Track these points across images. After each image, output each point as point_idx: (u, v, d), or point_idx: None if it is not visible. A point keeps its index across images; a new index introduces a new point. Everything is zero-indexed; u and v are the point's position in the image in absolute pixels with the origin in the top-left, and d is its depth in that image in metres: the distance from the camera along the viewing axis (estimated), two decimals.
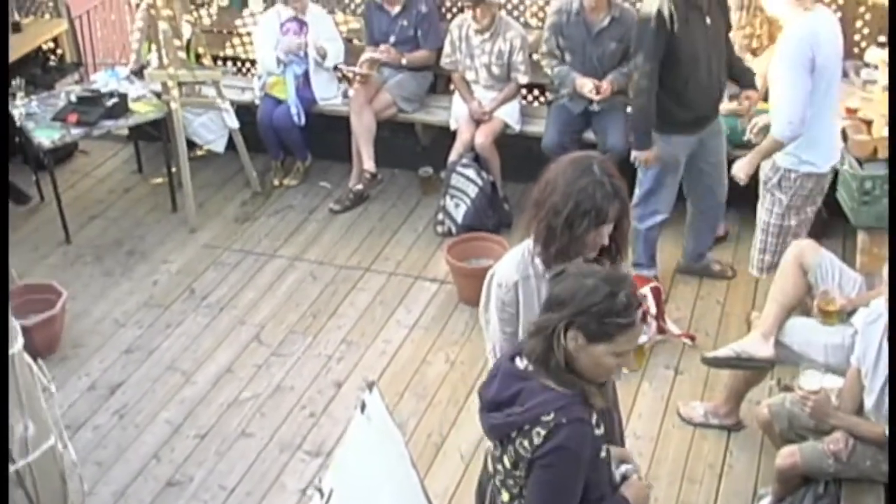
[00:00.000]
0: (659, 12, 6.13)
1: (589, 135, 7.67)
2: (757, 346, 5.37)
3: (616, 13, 7.30)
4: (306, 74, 8.36)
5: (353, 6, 8.81)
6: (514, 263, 3.93)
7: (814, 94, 5.64)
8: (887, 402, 4.45)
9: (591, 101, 7.46)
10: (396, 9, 8.21)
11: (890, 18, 6.63)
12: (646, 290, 6.38)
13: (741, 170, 6.01)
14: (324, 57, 8.31)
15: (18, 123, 8.05)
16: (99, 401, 6.51)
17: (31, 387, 2.01)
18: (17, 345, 1.90)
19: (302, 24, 8.28)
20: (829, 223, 6.98)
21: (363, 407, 3.80)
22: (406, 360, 6.67)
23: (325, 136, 8.59)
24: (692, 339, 6.58)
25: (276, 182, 8.74)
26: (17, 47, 9.12)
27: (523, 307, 3.90)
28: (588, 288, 3.21)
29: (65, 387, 6.54)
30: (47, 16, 9.74)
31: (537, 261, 3.85)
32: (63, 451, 1.99)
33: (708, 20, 6.26)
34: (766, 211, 6.13)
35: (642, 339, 4.85)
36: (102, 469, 5.96)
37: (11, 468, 1.88)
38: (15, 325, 1.95)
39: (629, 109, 6.83)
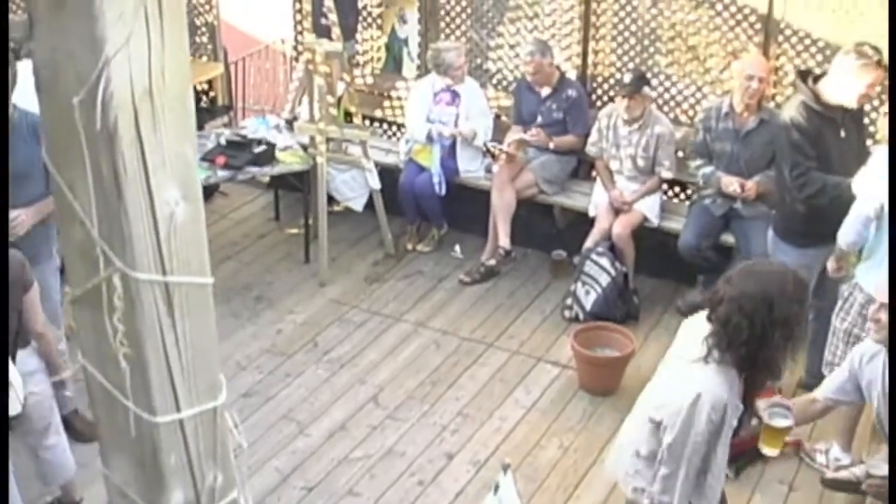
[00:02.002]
0: (791, 121, 6.15)
1: (727, 237, 7.62)
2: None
3: (765, 116, 7.27)
4: (453, 145, 8.45)
5: (504, 83, 8.90)
6: (725, 386, 3.91)
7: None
8: None
9: (734, 202, 7.42)
10: (546, 91, 8.27)
11: (890, 19, 6.57)
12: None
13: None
14: (473, 139, 8.39)
15: None
16: None
17: (225, 439, 2.04)
18: (222, 397, 1.94)
19: (455, 96, 8.39)
20: None
21: (496, 488, 3.79)
22: (520, 440, 6.62)
23: (463, 207, 8.65)
24: (798, 445, 6.41)
25: (409, 246, 8.81)
26: None
27: (722, 438, 3.89)
28: None
29: None
30: (205, 58, 9.99)
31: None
32: None
33: (843, 133, 6.23)
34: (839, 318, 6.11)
35: (784, 422, 4.81)
36: None
37: None
38: (221, 379, 1.99)
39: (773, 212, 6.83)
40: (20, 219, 5.65)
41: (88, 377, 1.99)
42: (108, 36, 1.64)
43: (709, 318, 3.99)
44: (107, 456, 2.06)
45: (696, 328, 4.11)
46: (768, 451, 5.03)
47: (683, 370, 4.05)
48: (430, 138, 8.42)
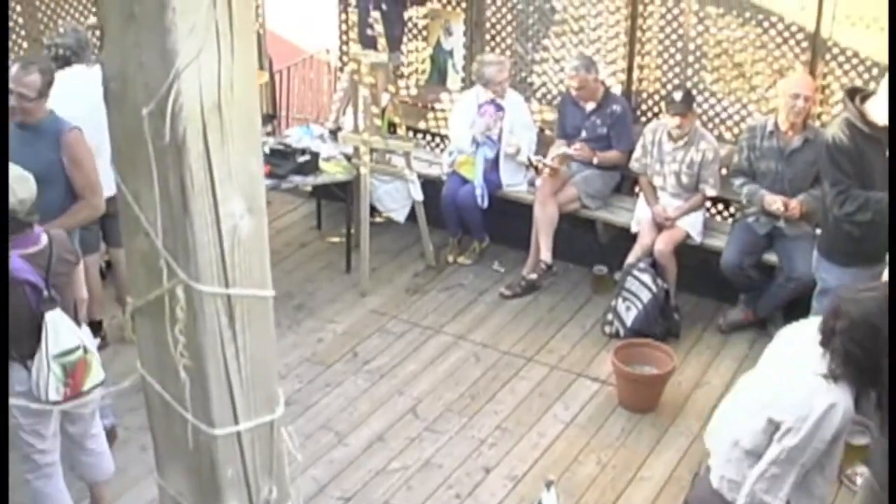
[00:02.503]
0: (832, 139, 6.11)
1: (770, 256, 7.58)
2: None
3: (811, 135, 7.22)
4: (496, 158, 8.44)
5: (549, 97, 8.89)
6: (851, 400, 4.07)
7: None
8: None
9: (778, 221, 7.38)
10: (591, 106, 8.25)
11: (890, 19, 6.48)
12: None
13: None
14: (517, 153, 8.39)
15: None
16: None
17: (281, 453, 2.04)
18: (279, 410, 1.94)
19: (499, 108, 8.38)
20: None
21: None
22: (558, 455, 6.60)
23: (505, 220, 8.65)
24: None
25: (450, 258, 8.81)
26: None
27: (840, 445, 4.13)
28: None
29: None
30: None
31: None
32: None
33: (887, 153, 6.18)
34: None
35: (863, 439, 4.87)
36: None
37: None
38: (279, 393, 1.99)
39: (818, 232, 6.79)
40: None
41: (147, 387, 1.99)
42: (180, 49, 1.65)
43: (822, 345, 4.10)
44: (162, 466, 2.07)
45: (805, 339, 4.24)
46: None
47: (810, 379, 4.11)
48: (475, 143, 8.42)
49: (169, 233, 1.77)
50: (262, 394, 1.98)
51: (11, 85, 6.13)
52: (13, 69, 6.16)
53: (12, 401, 5.26)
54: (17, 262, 5.07)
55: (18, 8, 8.61)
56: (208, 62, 1.69)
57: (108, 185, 6.56)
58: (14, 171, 5.17)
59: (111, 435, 6.60)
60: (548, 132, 8.80)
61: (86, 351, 5.39)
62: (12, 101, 6.09)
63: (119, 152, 1.81)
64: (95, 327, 7.63)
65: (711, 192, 7.92)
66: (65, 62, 7.00)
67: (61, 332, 5.26)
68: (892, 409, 4.26)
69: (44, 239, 5.24)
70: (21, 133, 6.09)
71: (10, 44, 8.58)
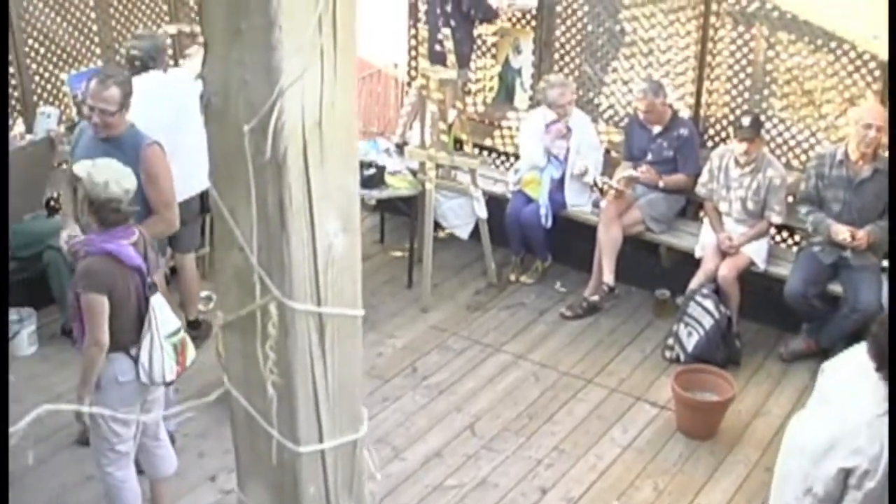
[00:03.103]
0: None
1: (835, 287, 7.49)
2: None
3: (880, 165, 7.15)
4: (562, 178, 8.42)
5: (616, 118, 8.86)
6: None
7: None
8: None
9: (843, 251, 7.30)
10: (657, 128, 8.21)
11: (890, 19, 6.36)
12: None
13: None
14: (584, 173, 8.36)
15: None
16: None
17: (362, 472, 2.04)
18: (363, 430, 1.95)
19: (567, 130, 8.35)
20: None
21: None
22: (614, 479, 6.55)
23: (568, 240, 8.61)
24: None
25: (512, 277, 8.78)
26: None
27: None
28: None
29: None
30: None
31: None
32: None
33: None
34: None
35: None
36: None
37: None
38: (364, 412, 1.99)
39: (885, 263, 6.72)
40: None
41: (232, 402, 2.00)
42: (285, 67, 1.66)
43: (878, 370, 4.02)
44: (243, 480, 2.07)
45: (853, 370, 4.21)
46: None
47: (868, 415, 4.04)
48: (547, 155, 8.41)
49: (264, 249, 1.78)
50: (348, 413, 1.99)
51: (91, 101, 6.21)
52: (91, 84, 6.22)
53: (115, 390, 5.37)
54: (128, 250, 5.28)
55: (93, 15, 8.69)
56: (312, 81, 1.70)
57: (179, 191, 6.63)
58: (114, 164, 5.34)
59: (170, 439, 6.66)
60: (614, 154, 8.76)
61: (183, 329, 5.64)
62: (94, 117, 6.17)
63: (217, 168, 1.82)
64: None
65: (777, 220, 7.84)
66: (142, 67, 7.08)
67: (166, 313, 5.46)
68: (892, 409, 4.20)
69: (137, 231, 5.43)
70: (102, 145, 6.15)
71: (85, 50, 8.67)
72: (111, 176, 5.20)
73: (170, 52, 7.82)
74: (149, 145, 6.22)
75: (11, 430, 1.94)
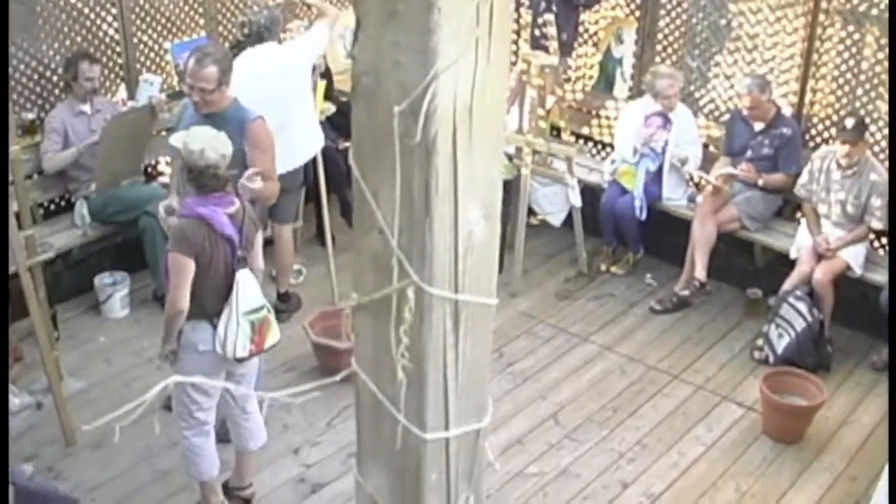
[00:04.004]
0: None
1: None
2: None
3: None
4: (659, 170, 8.34)
5: (716, 113, 8.75)
6: None
7: None
8: None
9: None
10: (760, 125, 8.08)
11: (890, 19, 6.13)
12: None
13: None
14: (683, 163, 8.27)
15: None
16: None
17: (482, 461, 2.03)
18: (487, 419, 1.93)
19: (666, 121, 8.27)
20: None
21: None
22: (696, 478, 6.47)
23: (661, 233, 8.53)
24: None
25: (602, 267, 8.72)
26: None
27: None
28: None
29: (349, 420, 6.71)
30: None
31: None
32: None
33: None
34: None
35: None
36: None
37: None
38: (489, 402, 1.97)
39: None
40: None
41: (359, 384, 1.99)
42: (441, 50, 1.63)
43: None
44: (364, 462, 2.06)
45: None
46: None
47: None
48: (637, 153, 8.32)
49: (405, 233, 1.76)
50: (474, 401, 1.97)
51: (189, 80, 6.25)
52: (190, 63, 6.26)
53: (193, 358, 5.43)
54: (221, 217, 5.31)
55: None
56: (466, 66, 1.68)
57: (281, 162, 6.66)
58: (209, 131, 5.40)
59: None
60: (712, 149, 8.64)
61: (268, 310, 5.58)
62: (194, 95, 6.21)
63: (361, 148, 1.80)
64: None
65: (877, 225, 7.68)
66: (257, 38, 7.12)
67: (250, 289, 5.45)
68: (892, 407, 4.11)
69: (237, 200, 5.45)
70: (205, 122, 6.17)
71: (189, 20, 8.74)
72: (207, 143, 5.27)
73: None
74: (254, 120, 6.24)
75: (140, 399, 1.93)
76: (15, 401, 6.67)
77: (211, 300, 5.38)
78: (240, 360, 5.49)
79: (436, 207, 1.72)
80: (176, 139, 5.43)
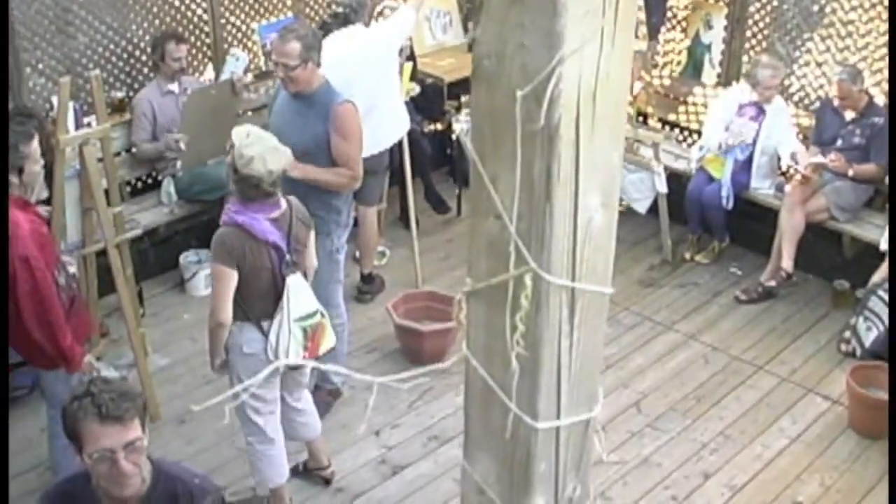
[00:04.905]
0: None
1: None
2: None
3: None
4: (749, 160, 8.21)
5: (806, 101, 8.61)
6: None
7: None
8: None
9: None
10: (851, 115, 7.94)
11: (890, 19, 5.91)
12: None
13: None
14: (771, 156, 8.17)
15: (455, 137, 8.35)
16: None
17: (591, 452, 2.00)
18: (597, 409, 1.90)
19: (760, 112, 8.11)
20: None
21: None
22: (780, 470, 6.40)
23: (748, 222, 8.43)
24: None
25: (687, 255, 8.63)
26: (470, 67, 9.44)
27: None
28: None
29: (441, 398, 6.72)
30: None
31: None
32: None
33: None
34: None
35: None
36: (459, 488, 6.09)
37: None
38: (599, 391, 1.94)
39: None
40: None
41: (469, 371, 1.97)
42: (568, 34, 1.60)
43: None
44: (471, 449, 2.04)
45: None
46: None
47: None
48: (720, 148, 8.21)
49: (524, 219, 1.73)
50: (586, 391, 1.94)
51: (274, 56, 6.29)
52: (274, 40, 6.32)
53: (239, 360, 5.42)
54: (263, 225, 5.20)
55: None
56: (591, 49, 1.64)
57: (367, 145, 6.66)
58: (270, 141, 5.26)
59: (335, 393, 6.73)
60: (802, 137, 8.50)
61: (322, 315, 5.50)
62: (279, 72, 6.22)
63: (480, 132, 1.77)
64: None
65: None
66: (343, 21, 7.12)
67: (301, 295, 5.36)
68: (891, 407, 4.01)
69: (283, 203, 5.33)
70: (294, 103, 6.20)
71: (276, 1, 8.77)
72: (260, 152, 5.09)
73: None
74: (341, 103, 6.21)
75: (242, 385, 1.92)
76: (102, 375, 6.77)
77: (256, 304, 5.31)
78: (293, 368, 5.43)
79: (556, 194, 1.69)
80: (237, 133, 5.26)
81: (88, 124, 6.48)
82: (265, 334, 5.31)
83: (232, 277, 5.18)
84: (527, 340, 1.80)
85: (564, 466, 1.98)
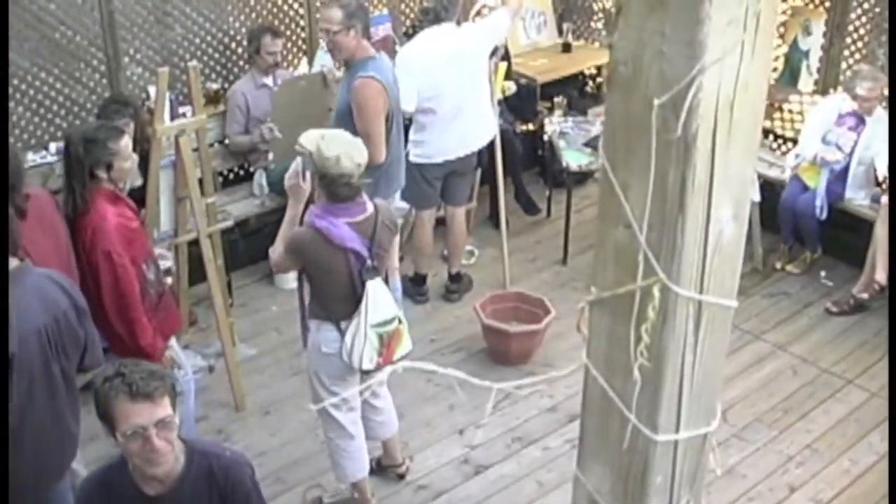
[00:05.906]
0: None
1: None
2: None
3: None
4: (845, 170, 8.06)
5: None
6: None
7: None
8: None
9: None
10: None
11: (890, 19, 5.70)
12: None
13: None
14: (867, 167, 8.05)
15: (547, 138, 8.33)
16: (555, 424, 6.61)
17: (705, 466, 1.97)
18: (715, 423, 1.86)
19: (860, 122, 7.94)
20: None
21: None
22: (868, 486, 6.30)
23: (841, 233, 8.30)
24: None
25: (777, 265, 8.53)
26: (564, 68, 9.46)
27: None
28: None
29: (527, 400, 6.69)
30: (597, 44, 9.99)
31: None
32: None
33: None
34: None
35: None
36: (542, 490, 6.08)
37: None
38: (718, 406, 1.91)
39: None
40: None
41: (587, 380, 1.95)
42: (710, 43, 1.57)
43: None
44: (585, 459, 2.02)
45: None
46: None
47: None
48: (815, 160, 8.07)
49: (654, 229, 1.71)
50: (706, 404, 1.91)
51: (320, 24, 6.69)
52: (321, 8, 6.66)
53: (318, 359, 5.45)
54: (342, 231, 5.18)
55: None
56: (731, 59, 1.61)
57: (454, 147, 6.66)
58: (344, 137, 5.28)
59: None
60: None
61: (400, 321, 5.48)
62: (323, 38, 6.62)
63: (612, 139, 1.75)
64: (419, 281, 7.80)
65: None
66: (434, 18, 7.12)
67: (380, 301, 5.34)
68: (891, 406, 3.89)
69: (370, 207, 5.31)
70: (345, 78, 6.57)
71: None
72: (342, 150, 5.09)
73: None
74: (361, 76, 6.33)
75: (365, 384, 1.91)
76: (189, 363, 6.84)
77: (335, 305, 5.33)
78: (366, 373, 5.39)
79: (689, 204, 1.66)
80: (308, 140, 5.22)
81: (183, 114, 6.54)
82: (343, 334, 5.32)
83: (290, 268, 5.54)
84: (651, 352, 1.77)
85: (679, 480, 1.96)
